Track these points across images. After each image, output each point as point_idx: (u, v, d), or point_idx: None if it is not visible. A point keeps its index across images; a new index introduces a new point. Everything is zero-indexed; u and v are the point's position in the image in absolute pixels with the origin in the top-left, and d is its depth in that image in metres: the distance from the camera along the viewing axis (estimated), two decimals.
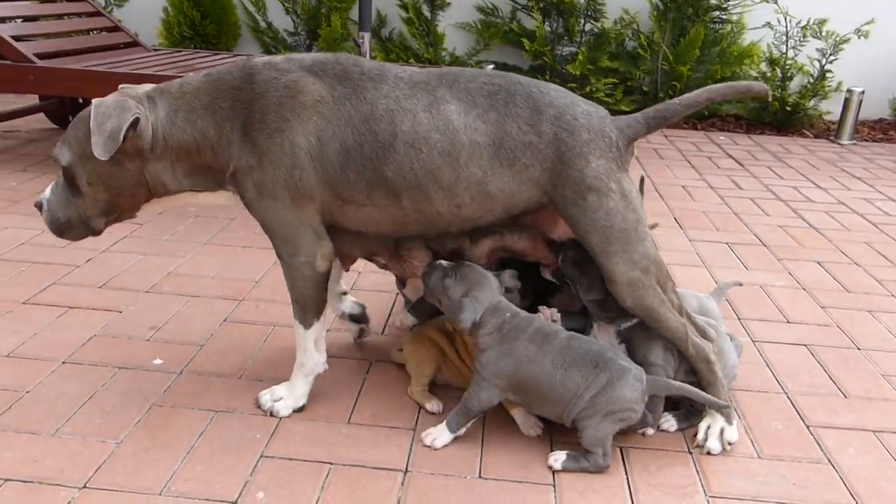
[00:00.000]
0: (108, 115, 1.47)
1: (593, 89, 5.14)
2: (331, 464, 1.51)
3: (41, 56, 3.28)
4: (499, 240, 1.67)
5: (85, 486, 1.41)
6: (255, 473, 1.47)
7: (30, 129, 4.22)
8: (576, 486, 1.49)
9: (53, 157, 1.57)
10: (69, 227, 1.63)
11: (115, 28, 3.97)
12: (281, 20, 5.59)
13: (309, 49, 5.60)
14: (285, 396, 1.67)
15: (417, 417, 1.68)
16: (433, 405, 1.70)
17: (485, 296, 1.56)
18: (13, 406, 1.65)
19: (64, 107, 4.20)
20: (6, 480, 1.42)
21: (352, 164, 1.52)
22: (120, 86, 1.60)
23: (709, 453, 1.60)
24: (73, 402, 1.68)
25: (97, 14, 3.95)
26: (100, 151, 1.45)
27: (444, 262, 1.61)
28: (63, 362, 1.84)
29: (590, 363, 1.52)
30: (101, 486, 1.42)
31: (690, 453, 1.61)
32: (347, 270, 1.85)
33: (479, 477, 1.50)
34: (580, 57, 5.09)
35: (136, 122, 1.50)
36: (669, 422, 1.68)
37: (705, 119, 5.39)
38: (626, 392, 1.50)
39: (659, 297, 1.57)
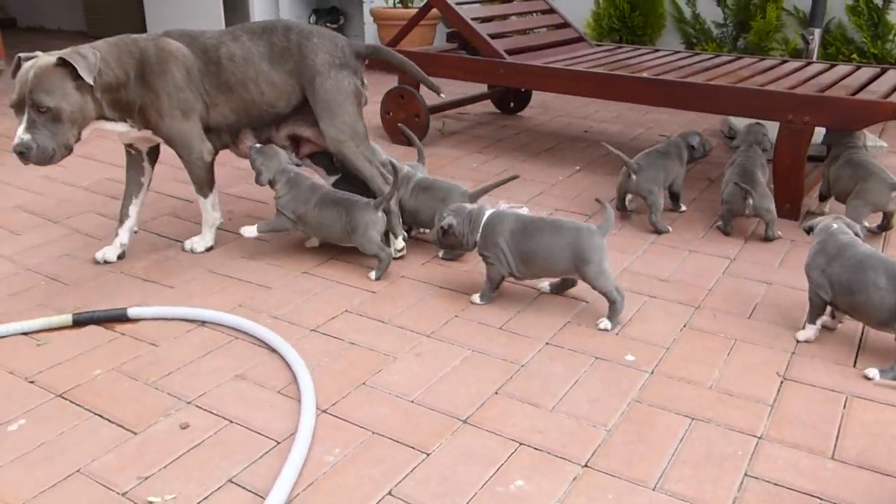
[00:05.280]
0: None
1: None
2: (821, 499, 1.50)
3: (509, 52, 3.65)
4: (291, 129, 2.64)
5: (586, 466, 1.59)
6: (743, 491, 1.52)
7: (477, 113, 4.74)
8: None
9: None
10: None
11: (564, 24, 4.25)
12: (709, 11, 5.50)
13: (735, 42, 5.43)
14: (199, 241, 2.65)
15: None
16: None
17: (274, 163, 2.52)
18: (514, 376, 1.91)
19: (508, 95, 4.64)
20: (521, 444, 1.65)
21: (205, 79, 2.47)
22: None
23: None
24: (562, 382, 1.88)
25: (551, 11, 4.27)
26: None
27: (256, 145, 2.56)
28: (546, 343, 2.07)
29: (336, 205, 2.47)
30: (599, 469, 1.58)
31: None
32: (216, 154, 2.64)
33: None
34: None
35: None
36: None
37: None
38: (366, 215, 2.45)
39: (352, 149, 2.55)
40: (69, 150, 2.23)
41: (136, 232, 2.68)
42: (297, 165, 2.61)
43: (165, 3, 7.16)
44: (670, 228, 2.82)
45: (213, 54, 2.49)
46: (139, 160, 2.61)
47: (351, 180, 2.69)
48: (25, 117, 2.15)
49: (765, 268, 2.52)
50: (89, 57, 2.20)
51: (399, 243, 2.57)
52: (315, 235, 2.58)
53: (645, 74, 3.29)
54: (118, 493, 1.51)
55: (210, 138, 2.55)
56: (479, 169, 3.58)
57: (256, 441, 1.66)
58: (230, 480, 1.55)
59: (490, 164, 3.67)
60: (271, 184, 2.53)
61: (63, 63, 2.16)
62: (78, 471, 1.58)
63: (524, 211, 2.42)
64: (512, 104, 4.69)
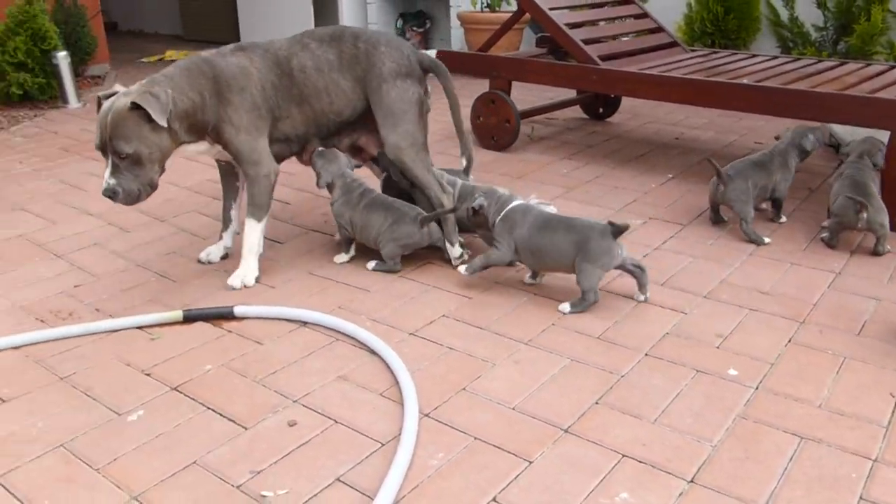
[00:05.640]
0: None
1: None
2: None
3: (603, 58, 3.62)
4: (352, 137, 2.69)
5: (692, 481, 1.57)
6: None
7: (566, 118, 4.72)
8: None
9: None
10: None
11: (658, 29, 4.18)
12: (808, 13, 5.32)
13: (835, 46, 5.24)
14: (249, 273, 2.50)
15: None
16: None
17: (333, 167, 2.58)
18: (614, 387, 1.90)
19: (597, 100, 4.60)
20: (624, 456, 1.64)
21: (278, 92, 2.46)
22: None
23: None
24: (663, 395, 1.86)
25: (644, 16, 4.21)
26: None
27: (319, 148, 2.61)
28: (645, 354, 2.05)
29: (384, 210, 2.53)
30: (705, 485, 1.56)
31: None
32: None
33: None
34: None
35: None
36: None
37: None
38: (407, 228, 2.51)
39: (411, 157, 2.56)
40: (154, 187, 2.28)
41: (238, 233, 2.76)
42: (357, 166, 2.69)
43: (257, 9, 7.38)
44: (768, 240, 2.75)
45: (286, 66, 2.48)
46: (230, 168, 2.67)
47: (394, 185, 2.73)
48: (109, 161, 2.21)
49: (873, 283, 2.43)
50: (161, 96, 2.20)
51: (456, 251, 2.58)
52: (359, 239, 2.60)
53: (745, 80, 3.21)
54: (233, 486, 1.57)
55: (280, 148, 2.54)
56: (569, 175, 3.57)
57: (361, 442, 1.70)
58: (338, 479, 1.59)
59: (580, 170, 3.65)
60: (329, 187, 2.60)
61: (136, 106, 2.16)
62: (194, 462, 1.65)
63: (551, 209, 2.55)
64: (601, 110, 4.65)
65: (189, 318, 2.26)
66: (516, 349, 2.07)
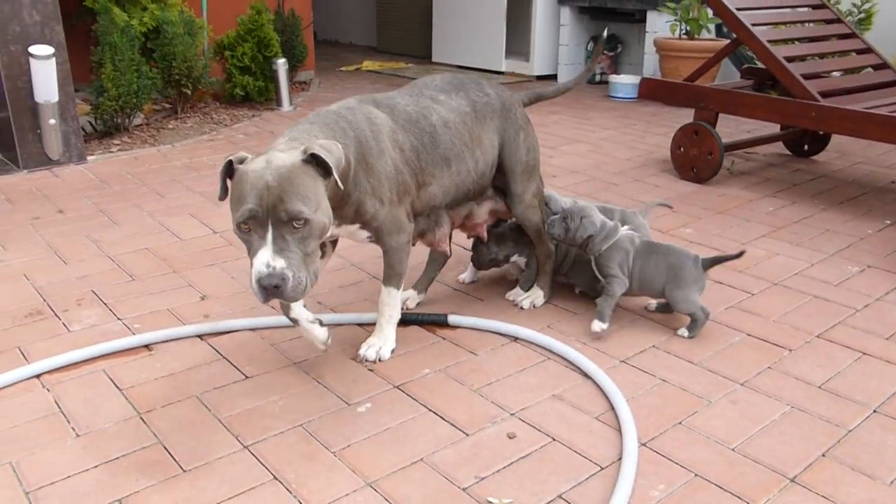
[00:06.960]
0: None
1: None
2: None
3: (823, 94, 3.47)
4: (491, 203, 2.38)
5: None
6: None
7: (766, 153, 4.55)
8: None
9: None
10: None
11: (883, 65, 3.95)
12: None
13: None
14: (385, 345, 2.16)
15: None
16: None
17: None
18: (841, 441, 1.82)
19: (804, 137, 4.40)
20: None
21: (420, 156, 2.06)
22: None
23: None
24: None
25: (867, 51, 4.00)
26: None
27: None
28: (874, 410, 1.95)
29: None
30: None
31: None
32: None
33: None
34: None
35: None
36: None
37: None
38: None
39: (539, 216, 2.39)
40: (316, 278, 1.71)
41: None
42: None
43: (452, 26, 7.64)
44: None
45: (425, 123, 2.08)
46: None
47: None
48: (269, 236, 1.61)
49: None
50: (333, 150, 1.72)
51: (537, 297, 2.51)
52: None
53: None
54: (459, 488, 1.65)
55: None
56: (774, 214, 3.44)
57: (580, 462, 1.74)
58: (560, 496, 1.63)
59: (787, 209, 3.51)
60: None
61: (310, 160, 1.68)
62: (421, 459, 1.75)
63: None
64: (806, 147, 4.44)
65: (405, 321, 2.38)
66: (732, 389, 2.03)
